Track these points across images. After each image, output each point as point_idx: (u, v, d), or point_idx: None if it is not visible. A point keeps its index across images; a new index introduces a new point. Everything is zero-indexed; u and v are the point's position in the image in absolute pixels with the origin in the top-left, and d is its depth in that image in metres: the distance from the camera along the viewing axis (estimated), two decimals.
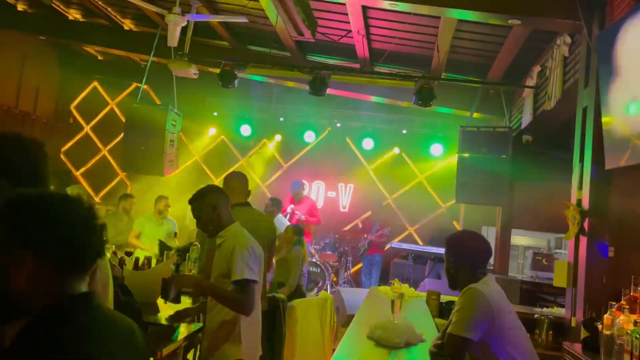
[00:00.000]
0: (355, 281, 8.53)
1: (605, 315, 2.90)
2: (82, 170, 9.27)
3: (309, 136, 9.01)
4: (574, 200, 4.00)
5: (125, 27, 7.53)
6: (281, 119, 9.08)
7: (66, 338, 1.04)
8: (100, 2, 6.77)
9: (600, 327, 3.01)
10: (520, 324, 2.32)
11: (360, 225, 9.02)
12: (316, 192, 9.27)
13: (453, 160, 7.41)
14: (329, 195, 9.38)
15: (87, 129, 9.43)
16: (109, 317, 1.18)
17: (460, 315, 2.16)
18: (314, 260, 7.68)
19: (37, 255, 1.08)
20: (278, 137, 9.34)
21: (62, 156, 9.19)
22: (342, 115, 9.01)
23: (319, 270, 7.59)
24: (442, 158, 8.68)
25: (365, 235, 8.40)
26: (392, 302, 2.85)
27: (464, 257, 2.38)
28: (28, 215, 1.10)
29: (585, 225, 3.78)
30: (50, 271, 1.10)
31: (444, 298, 4.35)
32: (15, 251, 1.07)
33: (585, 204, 3.81)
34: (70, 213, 1.13)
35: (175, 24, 4.93)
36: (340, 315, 4.74)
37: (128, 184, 9.15)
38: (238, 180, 3.71)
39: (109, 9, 7.01)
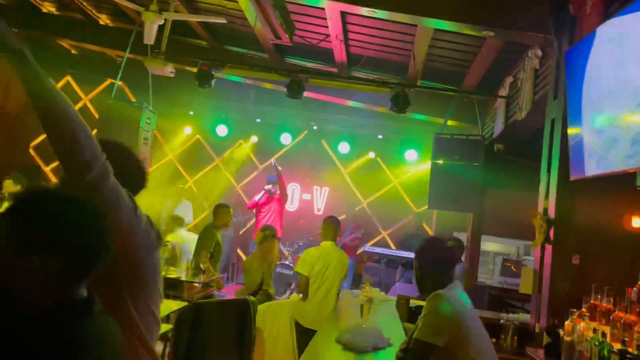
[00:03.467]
0: None
1: (566, 322, 2.98)
2: (52, 165, 9.07)
3: (286, 138, 9.02)
4: (540, 209, 4.11)
5: (101, 22, 7.41)
6: (258, 120, 9.07)
7: (62, 344, 1.04)
8: None
9: (561, 333, 3.09)
10: (484, 330, 2.37)
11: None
12: (291, 194, 9.28)
13: (427, 166, 7.51)
14: (304, 197, 9.40)
15: None
16: (106, 324, 1.18)
17: (426, 321, 2.20)
18: (286, 262, 7.68)
19: (50, 261, 1.08)
20: (254, 138, 9.33)
21: (31, 151, 8.97)
22: (319, 118, 9.05)
23: (291, 272, 7.59)
24: (416, 164, 8.80)
25: (339, 238, 8.43)
26: (362, 306, 2.88)
27: (431, 263, 2.42)
28: (44, 220, 1.09)
29: (551, 233, 3.89)
30: (60, 276, 1.10)
31: (414, 302, 4.41)
32: (31, 257, 1.07)
33: (552, 213, 3.91)
34: (86, 219, 1.13)
35: (153, 22, 4.88)
36: None
37: None
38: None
39: (84, 3, 6.89)
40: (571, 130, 3.44)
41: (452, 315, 2.18)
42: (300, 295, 4.47)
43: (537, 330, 3.94)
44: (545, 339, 3.29)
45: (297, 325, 4.33)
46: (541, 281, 4.00)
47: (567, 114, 3.53)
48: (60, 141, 1.37)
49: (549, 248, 3.93)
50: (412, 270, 5.50)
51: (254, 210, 7.78)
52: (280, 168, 7.36)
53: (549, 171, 4.07)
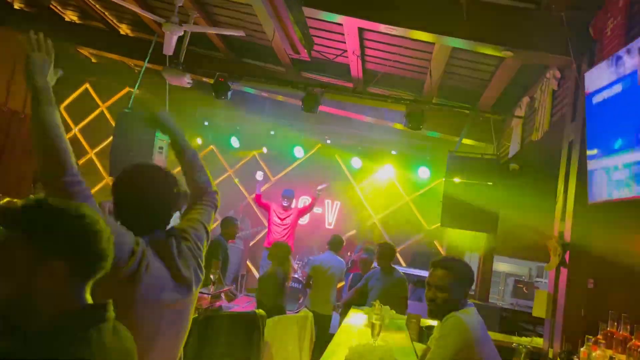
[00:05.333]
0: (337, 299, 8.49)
1: (581, 349, 2.92)
2: None
3: (299, 151, 9.03)
4: (556, 232, 4.05)
5: (122, 32, 7.52)
6: (272, 132, 9.10)
7: (78, 349, 1.05)
8: (98, 6, 6.77)
9: None
10: (498, 356, 2.31)
11: (344, 243, 9.02)
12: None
13: (440, 184, 7.47)
14: (315, 211, 9.38)
15: (75, 130, 9.36)
16: (120, 330, 1.18)
17: (441, 344, 2.16)
18: (296, 276, 7.65)
19: (66, 265, 1.10)
20: (267, 150, 9.36)
21: None
22: (333, 132, 9.06)
23: (300, 286, 7.55)
24: (429, 181, 8.75)
25: (349, 254, 8.40)
26: (373, 325, 2.84)
27: (463, 285, 2.34)
28: (61, 225, 1.11)
29: (567, 257, 3.83)
30: (69, 280, 1.11)
31: (424, 322, 4.35)
32: (48, 261, 1.08)
33: (567, 236, 3.86)
34: (93, 224, 1.15)
35: (172, 33, 4.95)
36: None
37: None
38: None
39: (106, 13, 7.01)
40: (590, 153, 3.40)
41: (467, 340, 2.14)
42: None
43: (550, 355, 3.87)
44: None
45: None
46: (555, 305, 3.93)
47: (586, 136, 3.49)
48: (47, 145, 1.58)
49: (564, 271, 3.87)
50: (423, 289, 5.44)
51: (266, 223, 7.80)
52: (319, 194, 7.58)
53: (565, 193, 4.02)
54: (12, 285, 1.09)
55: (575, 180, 3.84)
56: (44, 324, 1.07)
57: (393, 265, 5.73)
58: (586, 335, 2.95)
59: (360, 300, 5.58)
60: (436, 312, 2.34)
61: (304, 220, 9.16)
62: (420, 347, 3.81)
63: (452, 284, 2.32)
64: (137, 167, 1.82)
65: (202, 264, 1.83)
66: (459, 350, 2.14)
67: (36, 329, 1.07)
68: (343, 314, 5.90)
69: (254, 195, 8.20)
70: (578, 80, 4.03)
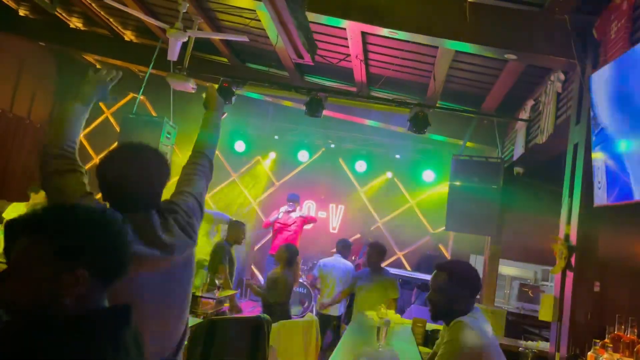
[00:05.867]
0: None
1: (589, 353, 2.90)
2: None
3: (303, 155, 9.05)
4: (562, 235, 4.03)
5: (126, 38, 7.57)
6: (276, 137, 9.12)
7: (97, 352, 1.05)
8: (102, 13, 6.81)
9: None
10: (505, 358, 2.29)
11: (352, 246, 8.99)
12: (307, 211, 9.27)
13: (444, 187, 7.46)
14: (319, 215, 9.38)
15: (80, 136, 9.38)
16: (134, 336, 1.18)
17: (447, 349, 2.15)
18: (300, 280, 7.65)
19: (88, 271, 1.11)
20: (272, 155, 9.37)
21: None
22: (337, 136, 9.07)
23: (305, 290, 7.54)
24: (434, 185, 8.74)
25: (354, 258, 8.38)
26: (378, 329, 2.84)
27: (465, 288, 2.33)
28: (84, 233, 1.12)
29: (572, 260, 3.81)
30: (91, 285, 1.12)
31: (430, 326, 4.33)
32: (69, 267, 1.09)
33: (573, 239, 3.84)
34: (118, 231, 1.16)
35: (177, 39, 4.97)
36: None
37: None
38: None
39: (110, 20, 7.05)
40: (595, 155, 3.39)
41: (475, 345, 2.12)
42: None
43: (557, 359, 3.84)
44: None
45: None
46: (562, 309, 3.91)
47: (591, 139, 3.48)
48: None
49: (570, 275, 3.85)
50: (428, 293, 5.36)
51: (270, 228, 7.79)
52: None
53: (570, 196, 4.01)
54: (35, 288, 1.09)
55: (581, 182, 3.82)
56: (66, 326, 1.08)
57: (383, 266, 5.67)
58: (593, 339, 2.93)
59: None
60: (435, 313, 2.36)
61: (308, 225, 9.15)
62: (425, 351, 3.80)
63: (451, 287, 2.32)
64: (119, 147, 1.99)
65: (193, 233, 1.86)
66: (466, 355, 2.12)
67: (59, 331, 1.07)
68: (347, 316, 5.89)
69: (264, 222, 8.19)
70: (582, 82, 4.02)
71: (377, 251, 5.52)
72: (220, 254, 5.50)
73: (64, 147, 1.89)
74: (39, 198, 5.99)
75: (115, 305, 1.16)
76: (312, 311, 7.17)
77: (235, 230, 5.70)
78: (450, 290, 2.29)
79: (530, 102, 5.62)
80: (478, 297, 3.12)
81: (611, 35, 3.55)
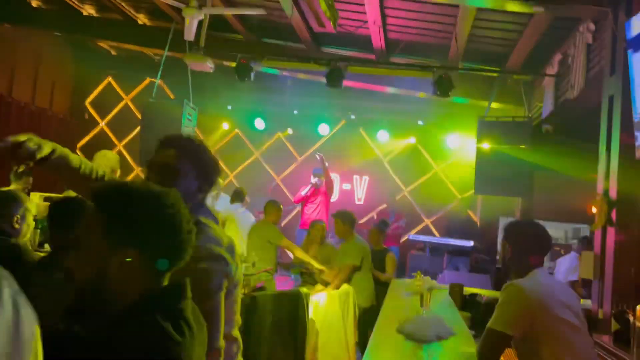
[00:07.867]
0: None
1: (638, 307, 2.84)
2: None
3: (323, 129, 8.97)
4: (600, 191, 3.93)
5: (139, 22, 7.51)
6: (295, 112, 9.04)
7: (154, 337, 1.04)
8: None
9: (632, 319, 2.96)
10: (578, 321, 2.20)
11: (375, 218, 8.97)
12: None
13: (469, 151, 7.33)
14: (344, 187, 9.35)
15: (102, 124, 9.47)
16: (194, 310, 1.18)
17: (499, 311, 2.12)
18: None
19: (140, 255, 1.09)
20: (292, 130, 9.32)
21: (78, 152, 9.22)
22: (357, 107, 8.93)
23: None
24: (459, 149, 8.59)
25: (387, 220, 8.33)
26: (422, 295, 2.82)
27: (519, 249, 2.29)
28: (141, 213, 1.10)
29: (613, 215, 3.72)
30: (145, 268, 1.10)
31: (467, 290, 4.31)
32: (127, 249, 1.08)
33: (613, 194, 3.74)
34: (175, 214, 1.13)
35: (193, 18, 4.90)
36: None
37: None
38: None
39: (122, 4, 7.00)
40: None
41: (527, 306, 2.08)
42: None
43: (600, 316, 3.79)
44: (614, 326, 3.15)
45: None
46: (603, 266, 3.84)
47: (630, 89, 3.35)
48: None
49: (611, 231, 3.76)
50: (459, 258, 5.43)
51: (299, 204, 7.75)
52: (326, 163, 7.34)
53: (608, 150, 3.89)
54: (90, 263, 1.09)
55: (619, 135, 3.70)
56: (122, 307, 1.07)
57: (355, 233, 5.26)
58: None
59: None
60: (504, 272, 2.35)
61: (334, 197, 9.12)
62: (465, 315, 3.79)
63: (509, 248, 2.29)
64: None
65: None
66: (519, 317, 2.09)
67: (115, 312, 1.07)
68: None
69: (295, 197, 7.94)
70: (615, 31, 3.85)
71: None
72: (273, 231, 5.38)
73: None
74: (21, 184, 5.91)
75: (170, 284, 1.15)
76: None
77: (276, 209, 5.59)
78: (507, 250, 2.28)
79: (558, 57, 5.43)
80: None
81: None
